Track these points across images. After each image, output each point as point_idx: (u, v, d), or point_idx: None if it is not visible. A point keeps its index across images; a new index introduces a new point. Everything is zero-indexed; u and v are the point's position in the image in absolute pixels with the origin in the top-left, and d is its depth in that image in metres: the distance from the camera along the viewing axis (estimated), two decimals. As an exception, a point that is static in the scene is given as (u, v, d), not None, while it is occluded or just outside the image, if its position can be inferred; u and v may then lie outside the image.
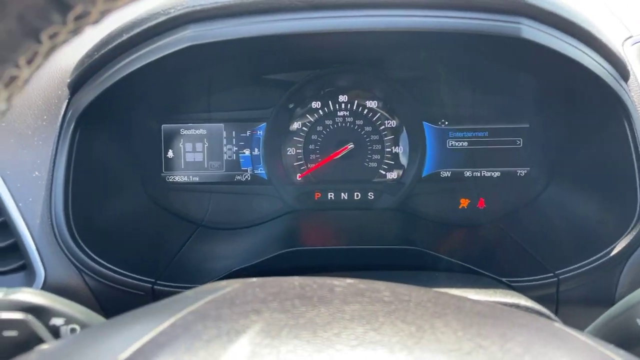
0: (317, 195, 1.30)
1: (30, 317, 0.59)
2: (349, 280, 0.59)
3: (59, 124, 0.97)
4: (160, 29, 0.85)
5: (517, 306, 0.73)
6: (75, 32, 0.38)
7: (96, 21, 0.38)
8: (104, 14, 0.38)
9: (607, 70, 0.91)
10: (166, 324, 0.47)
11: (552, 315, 0.71)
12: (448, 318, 0.50)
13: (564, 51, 0.85)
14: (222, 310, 0.49)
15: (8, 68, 0.36)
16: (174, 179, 1.29)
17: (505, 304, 0.75)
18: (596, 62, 0.89)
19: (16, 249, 0.95)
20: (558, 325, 0.56)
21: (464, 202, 1.28)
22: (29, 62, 0.37)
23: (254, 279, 0.60)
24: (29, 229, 0.93)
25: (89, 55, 0.92)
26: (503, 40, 0.85)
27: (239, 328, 0.45)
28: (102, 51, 0.89)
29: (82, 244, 0.92)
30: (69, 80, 0.97)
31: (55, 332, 0.64)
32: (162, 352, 0.42)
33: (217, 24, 0.83)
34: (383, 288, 0.57)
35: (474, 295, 0.78)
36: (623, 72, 0.95)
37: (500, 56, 1.03)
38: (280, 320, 0.47)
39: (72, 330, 0.66)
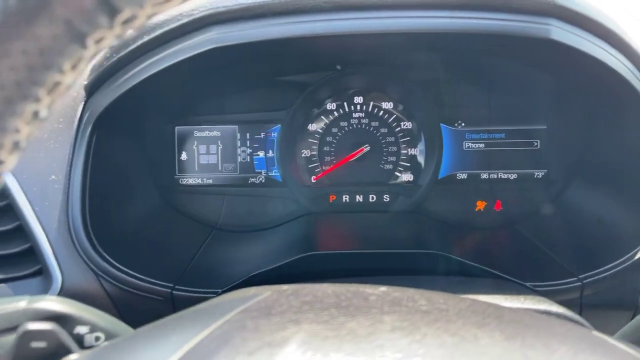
0: (332, 197, 1.28)
1: (57, 327, 0.58)
2: (382, 288, 0.58)
3: (75, 126, 0.96)
4: (182, 31, 0.84)
5: (549, 313, 0.72)
6: (120, 36, 0.36)
7: (142, 25, 0.37)
8: (150, 17, 0.36)
9: (632, 73, 0.90)
10: (203, 335, 0.46)
11: (585, 322, 0.70)
12: (490, 328, 0.49)
13: (592, 53, 0.84)
14: (260, 321, 0.48)
15: (53, 74, 0.35)
16: (187, 181, 1.28)
17: (537, 311, 0.74)
18: (622, 64, 0.88)
19: (32, 253, 0.93)
20: (596, 333, 0.55)
21: (481, 205, 1.27)
22: (73, 67, 0.36)
23: (285, 286, 0.59)
24: (45, 233, 0.92)
25: (107, 57, 0.91)
26: (531, 42, 0.83)
27: (280, 340, 0.44)
28: (122, 53, 0.87)
29: (99, 248, 0.91)
30: (85, 82, 0.96)
31: (80, 341, 0.63)
32: (205, 365, 0.41)
33: (241, 26, 0.81)
34: (418, 296, 0.56)
35: (504, 302, 0.76)
36: (647, 74, 0.94)
37: (525, 57, 1.02)
38: (320, 331, 0.45)
39: (97, 339, 0.64)
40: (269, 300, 0.54)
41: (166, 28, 0.83)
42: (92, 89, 0.95)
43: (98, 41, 0.36)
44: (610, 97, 1.00)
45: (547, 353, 0.45)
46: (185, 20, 0.82)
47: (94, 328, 0.65)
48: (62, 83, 0.36)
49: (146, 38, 0.84)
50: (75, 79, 0.37)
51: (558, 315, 0.71)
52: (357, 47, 0.99)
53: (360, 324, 0.47)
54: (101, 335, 0.65)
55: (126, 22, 0.35)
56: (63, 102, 0.98)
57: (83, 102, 0.97)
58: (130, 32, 0.37)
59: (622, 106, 0.99)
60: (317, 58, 1.13)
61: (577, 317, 0.71)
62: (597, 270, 0.91)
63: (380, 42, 0.91)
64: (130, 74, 0.88)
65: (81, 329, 0.64)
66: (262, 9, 0.80)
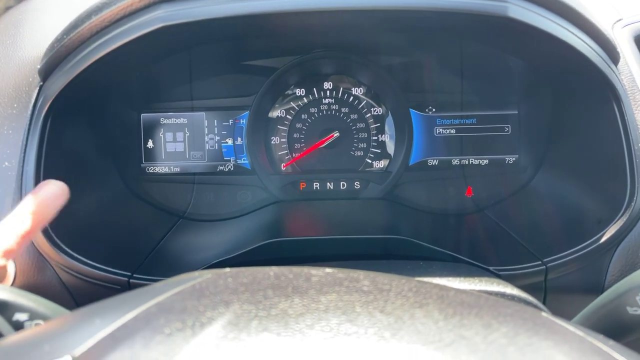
0: (303, 185, 1.27)
1: (-11, 312, 0.56)
2: (327, 270, 0.56)
3: (29, 112, 0.93)
4: (130, 10, 0.81)
5: (503, 294, 0.71)
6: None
7: None
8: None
9: (596, 52, 0.89)
10: (128, 317, 0.44)
11: (539, 303, 0.69)
12: (429, 308, 0.47)
13: (552, 31, 0.83)
14: (189, 302, 0.46)
15: None
16: (154, 169, 1.25)
17: (490, 293, 0.72)
18: (585, 43, 0.87)
19: (-15, 243, 0.90)
20: (545, 314, 0.54)
21: (452, 191, 1.26)
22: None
23: (228, 269, 0.57)
24: (-2, 222, 0.89)
25: (58, 39, 0.88)
26: (490, 20, 0.82)
27: (205, 320, 0.42)
28: (72, 34, 0.84)
29: (53, 236, 0.88)
30: (39, 67, 0.93)
31: (19, 328, 0.61)
32: (119, 347, 0.39)
33: (190, 3, 0.79)
34: (362, 277, 0.55)
35: (458, 284, 0.75)
36: (613, 54, 0.93)
37: (487, 38, 1.01)
38: (250, 311, 0.44)
39: (37, 326, 0.62)
40: (205, 282, 0.52)
41: (113, 7, 0.80)
42: (46, 73, 0.92)
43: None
44: (575, 79, 0.99)
45: (485, 333, 0.44)
46: (132, -2, 0.79)
47: (34, 315, 0.63)
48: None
49: (94, 18, 0.82)
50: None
51: (512, 297, 0.69)
52: (316, 30, 0.97)
53: (294, 304, 0.46)
54: (41, 322, 0.63)
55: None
56: (17, 87, 0.95)
57: (38, 87, 0.95)
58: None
59: (586, 88, 0.97)
60: (279, 41, 1.11)
61: (530, 298, 0.69)
62: (561, 254, 0.90)
63: (337, 23, 0.88)
64: (81, 55, 0.85)
65: (20, 316, 0.62)
66: (212, -15, 0.77)
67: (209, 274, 0.56)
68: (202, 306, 0.45)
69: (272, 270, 0.56)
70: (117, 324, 0.43)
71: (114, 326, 0.43)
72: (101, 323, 0.44)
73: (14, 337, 0.48)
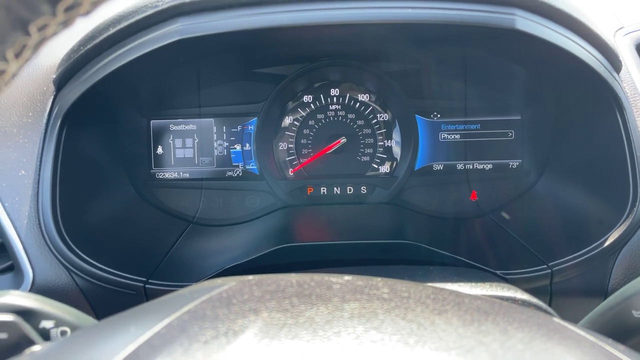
0: (310, 190, 1.29)
1: (20, 320, 0.58)
2: (346, 277, 0.58)
3: (44, 121, 0.95)
4: (148, 23, 0.83)
5: (514, 299, 0.73)
6: (66, 23, 0.36)
7: (87, 12, 0.36)
8: (95, 4, 0.36)
9: (599, 61, 0.91)
10: (162, 325, 0.46)
11: (549, 308, 0.71)
12: (448, 315, 0.49)
13: (558, 42, 0.85)
14: (220, 310, 0.48)
15: (-7, 63, 0.34)
16: (163, 175, 1.27)
17: (501, 298, 0.75)
18: (589, 52, 0.89)
19: (3, 249, 0.92)
20: (557, 320, 0.56)
21: (457, 195, 1.28)
22: (17, 55, 0.35)
23: (250, 277, 0.59)
24: (15, 229, 0.91)
25: (74, 50, 0.90)
26: (497, 32, 0.84)
27: (237, 328, 0.44)
28: (89, 46, 0.86)
29: (70, 243, 0.90)
30: (54, 76, 0.95)
31: (45, 335, 0.63)
32: (158, 354, 0.41)
33: (206, 17, 0.81)
34: (381, 285, 0.57)
35: (469, 289, 0.77)
36: (615, 62, 0.95)
37: (493, 48, 1.03)
38: (279, 319, 0.46)
39: (63, 333, 0.64)
40: (232, 290, 0.54)
41: (132, 20, 0.82)
42: (61, 83, 0.94)
43: (41, 28, 0.35)
44: (578, 86, 1.01)
45: (503, 339, 0.45)
46: (150, 11, 0.81)
47: (59, 322, 0.64)
48: (7, 72, 0.36)
49: (112, 30, 0.83)
50: (20, 68, 0.37)
51: (522, 302, 0.72)
52: (325, 39, 0.99)
53: (320, 312, 0.48)
54: (67, 329, 0.64)
55: (69, 8, 0.35)
56: (32, 96, 0.97)
57: (52, 96, 0.96)
58: (76, 20, 0.37)
59: (589, 95, 1.00)
60: (288, 50, 1.13)
61: (541, 303, 0.72)
62: (566, 258, 0.93)
63: (346, 33, 0.91)
64: (98, 66, 0.87)
65: (47, 324, 0.63)
66: (228, 0, 0.79)
67: (233, 281, 0.58)
68: (232, 314, 0.47)
69: (294, 278, 0.57)
70: (152, 331, 0.45)
71: (149, 334, 0.44)
72: (136, 330, 0.46)
73: (51, 345, 0.49)
